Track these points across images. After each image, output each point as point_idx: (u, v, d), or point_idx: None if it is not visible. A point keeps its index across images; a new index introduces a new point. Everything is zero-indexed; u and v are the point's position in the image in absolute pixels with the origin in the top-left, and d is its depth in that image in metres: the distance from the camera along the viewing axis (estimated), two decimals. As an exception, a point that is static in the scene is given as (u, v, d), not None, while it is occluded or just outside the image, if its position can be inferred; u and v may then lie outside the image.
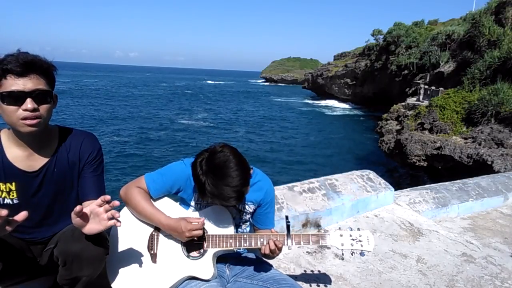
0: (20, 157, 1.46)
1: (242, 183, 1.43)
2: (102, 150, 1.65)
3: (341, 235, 1.59)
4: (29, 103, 1.31)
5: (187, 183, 1.63)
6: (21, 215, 1.18)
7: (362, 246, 1.57)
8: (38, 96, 1.34)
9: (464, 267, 2.46)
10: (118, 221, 1.27)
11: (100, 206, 1.25)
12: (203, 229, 1.53)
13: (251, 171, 1.56)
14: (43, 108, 1.37)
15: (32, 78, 1.32)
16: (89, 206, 1.24)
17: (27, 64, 1.31)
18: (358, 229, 1.62)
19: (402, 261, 2.49)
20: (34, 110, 1.33)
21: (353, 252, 1.58)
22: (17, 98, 1.31)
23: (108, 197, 1.25)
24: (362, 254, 1.58)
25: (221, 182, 1.40)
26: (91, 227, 1.27)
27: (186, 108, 46.43)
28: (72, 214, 1.23)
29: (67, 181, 1.55)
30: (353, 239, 1.58)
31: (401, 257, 2.54)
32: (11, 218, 1.17)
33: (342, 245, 1.58)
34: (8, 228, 1.17)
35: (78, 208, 1.20)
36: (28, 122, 1.34)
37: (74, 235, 1.35)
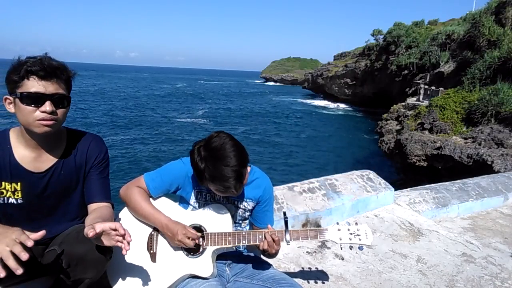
0: (28, 157, 1.46)
1: (240, 163, 1.45)
2: (108, 153, 1.66)
3: (339, 230, 1.58)
4: (48, 106, 1.33)
5: (186, 181, 1.64)
6: (39, 235, 1.15)
7: (360, 240, 1.56)
8: (57, 99, 1.36)
9: (464, 267, 2.46)
10: (127, 248, 1.25)
11: (113, 230, 1.23)
12: (199, 240, 1.53)
13: (249, 169, 1.56)
14: (60, 111, 1.39)
15: (54, 82, 1.35)
16: (102, 225, 1.22)
17: (51, 68, 1.34)
18: (356, 223, 1.61)
19: (402, 261, 2.49)
20: (52, 112, 1.35)
21: (352, 247, 1.57)
22: (37, 99, 1.33)
23: (123, 231, 1.23)
24: (360, 248, 1.57)
25: (220, 162, 1.42)
26: (101, 241, 1.27)
27: (186, 108, 46.44)
28: (85, 232, 1.22)
29: (72, 183, 1.56)
30: (351, 233, 1.57)
31: (401, 257, 2.54)
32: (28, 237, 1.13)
33: (340, 239, 1.57)
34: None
35: (91, 234, 1.18)
36: (45, 122, 1.35)
37: (78, 237, 1.35)
